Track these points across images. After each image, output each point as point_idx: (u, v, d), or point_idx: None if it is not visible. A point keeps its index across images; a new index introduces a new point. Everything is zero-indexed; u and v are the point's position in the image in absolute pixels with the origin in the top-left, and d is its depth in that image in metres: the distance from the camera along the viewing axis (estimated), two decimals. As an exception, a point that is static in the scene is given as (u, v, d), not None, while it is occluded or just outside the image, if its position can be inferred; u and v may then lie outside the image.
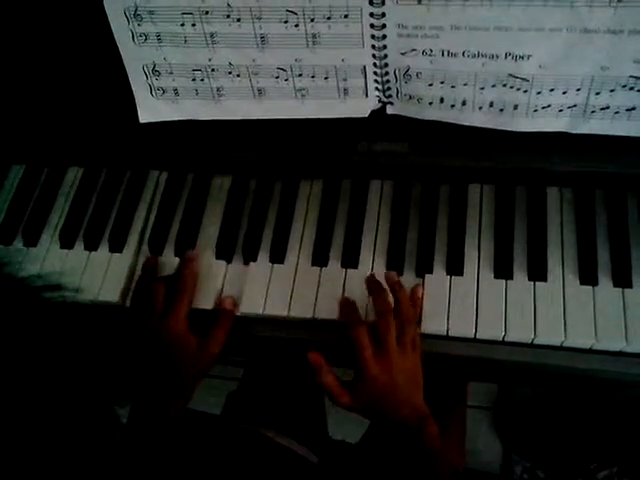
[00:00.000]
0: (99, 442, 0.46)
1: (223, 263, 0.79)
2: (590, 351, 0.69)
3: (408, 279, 0.74)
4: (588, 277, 0.70)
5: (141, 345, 0.74)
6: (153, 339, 0.72)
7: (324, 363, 0.68)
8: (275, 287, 0.76)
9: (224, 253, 0.79)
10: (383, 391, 0.65)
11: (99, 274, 0.80)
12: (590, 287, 0.70)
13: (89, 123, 0.81)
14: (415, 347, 0.67)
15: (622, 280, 0.70)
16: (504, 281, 0.72)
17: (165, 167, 0.86)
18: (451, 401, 0.94)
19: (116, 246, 0.81)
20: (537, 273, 0.71)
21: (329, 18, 0.62)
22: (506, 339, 0.70)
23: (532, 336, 0.69)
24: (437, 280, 0.73)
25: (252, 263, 0.78)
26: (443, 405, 0.89)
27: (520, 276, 0.72)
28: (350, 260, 0.76)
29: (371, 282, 0.71)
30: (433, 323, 0.71)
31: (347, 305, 0.71)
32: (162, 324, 0.72)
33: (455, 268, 0.73)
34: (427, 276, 0.74)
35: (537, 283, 0.71)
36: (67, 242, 0.82)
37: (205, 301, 0.76)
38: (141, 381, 0.73)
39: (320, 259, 0.77)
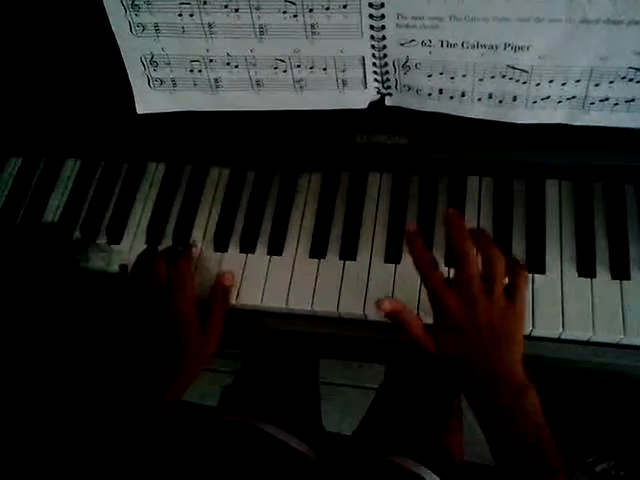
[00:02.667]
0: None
1: (221, 255, 0.78)
2: (588, 343, 0.69)
3: (407, 270, 0.74)
4: (586, 269, 0.70)
5: (142, 320, 0.71)
6: (158, 315, 0.70)
7: (401, 307, 0.61)
8: (273, 279, 0.76)
9: (222, 245, 0.79)
10: (470, 343, 0.59)
11: (96, 267, 0.79)
12: (588, 279, 0.70)
13: (86, 115, 0.80)
14: (513, 299, 0.60)
15: (620, 272, 0.70)
16: (502, 273, 0.72)
17: (163, 159, 0.86)
18: (451, 395, 0.94)
19: (114, 238, 0.81)
20: (535, 266, 0.71)
21: (328, 8, 0.62)
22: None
23: (530, 328, 0.69)
24: (435, 272, 0.73)
25: (250, 255, 0.78)
26: (445, 400, 0.89)
27: (518, 268, 0.72)
28: (348, 252, 0.76)
29: (451, 220, 0.62)
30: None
31: (423, 255, 0.63)
32: (171, 300, 0.70)
33: (453, 260, 0.73)
34: (425, 268, 0.74)
35: (535, 276, 0.71)
36: (64, 235, 0.82)
37: (202, 293, 0.76)
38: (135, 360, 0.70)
39: (318, 251, 0.76)
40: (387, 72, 0.67)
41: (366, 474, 0.76)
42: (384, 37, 0.63)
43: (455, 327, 0.59)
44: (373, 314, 0.72)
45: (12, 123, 0.85)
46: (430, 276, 0.61)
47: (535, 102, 0.64)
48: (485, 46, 0.61)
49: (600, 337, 0.68)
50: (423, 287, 0.71)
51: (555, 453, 0.57)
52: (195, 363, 0.70)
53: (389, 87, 0.68)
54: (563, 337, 0.69)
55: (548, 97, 0.63)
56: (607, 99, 0.63)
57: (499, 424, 0.58)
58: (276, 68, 0.68)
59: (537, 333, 0.69)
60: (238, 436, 0.83)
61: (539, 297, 0.70)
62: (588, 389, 1.30)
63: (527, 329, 0.69)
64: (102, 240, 0.81)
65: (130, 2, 0.64)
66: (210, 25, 0.65)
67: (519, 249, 0.73)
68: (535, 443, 0.57)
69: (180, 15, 0.65)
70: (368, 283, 0.74)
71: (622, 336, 0.67)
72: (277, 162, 0.82)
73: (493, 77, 0.63)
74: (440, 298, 0.60)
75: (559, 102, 0.64)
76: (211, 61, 0.68)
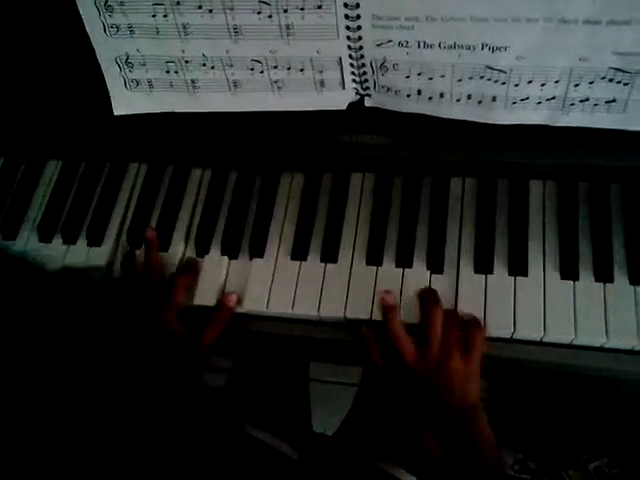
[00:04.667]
0: None
1: (200, 258, 0.78)
2: (570, 346, 0.68)
3: (388, 273, 0.73)
4: (569, 272, 0.69)
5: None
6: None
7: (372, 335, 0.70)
8: (254, 282, 0.75)
9: (203, 248, 0.78)
10: (424, 387, 0.66)
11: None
12: (571, 282, 0.69)
13: (67, 116, 0.80)
14: (467, 361, 0.66)
15: (603, 275, 0.69)
16: (484, 276, 0.71)
17: (144, 160, 0.85)
18: None
19: (94, 240, 0.80)
20: (518, 268, 0.70)
21: (302, 9, 0.61)
22: (486, 334, 0.69)
23: (512, 331, 0.68)
24: (417, 275, 0.72)
25: (231, 257, 0.77)
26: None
27: (500, 271, 0.71)
28: (330, 254, 0.75)
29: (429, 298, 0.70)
30: (413, 317, 0.70)
31: (389, 302, 0.69)
32: (157, 313, 0.71)
33: (435, 263, 0.72)
34: (407, 271, 0.73)
35: (517, 278, 0.70)
36: (45, 236, 0.82)
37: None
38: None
39: (300, 253, 0.76)
40: (365, 73, 0.66)
41: (347, 477, 0.76)
42: (360, 37, 0.62)
43: (415, 378, 0.66)
44: (354, 317, 0.71)
45: (-7, 124, 0.85)
46: (404, 344, 0.67)
47: (514, 103, 0.63)
48: (463, 47, 0.60)
49: (582, 340, 0.67)
50: (404, 289, 0.72)
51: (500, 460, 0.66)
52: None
53: (368, 88, 0.67)
54: (545, 340, 0.68)
55: (527, 98, 0.62)
56: (587, 100, 0.62)
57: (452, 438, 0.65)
58: (253, 69, 0.67)
59: (518, 336, 0.68)
60: (225, 440, 0.82)
61: (520, 300, 0.69)
62: (581, 388, 1.30)
63: (508, 332, 0.68)
64: (83, 242, 0.81)
65: (103, 3, 0.63)
66: (184, 26, 0.64)
67: (501, 251, 0.72)
68: (485, 452, 0.64)
69: (154, 16, 0.64)
70: (349, 285, 0.73)
71: (604, 340, 0.66)
72: (259, 163, 0.81)
73: (471, 78, 0.62)
74: (405, 357, 0.67)
75: (539, 103, 0.63)
76: (187, 62, 0.67)
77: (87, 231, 0.81)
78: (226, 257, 0.77)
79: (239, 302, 0.74)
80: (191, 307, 0.75)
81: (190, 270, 0.76)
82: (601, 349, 0.68)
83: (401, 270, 0.73)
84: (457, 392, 0.65)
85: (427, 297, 0.70)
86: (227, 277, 0.76)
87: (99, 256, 0.79)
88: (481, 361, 0.67)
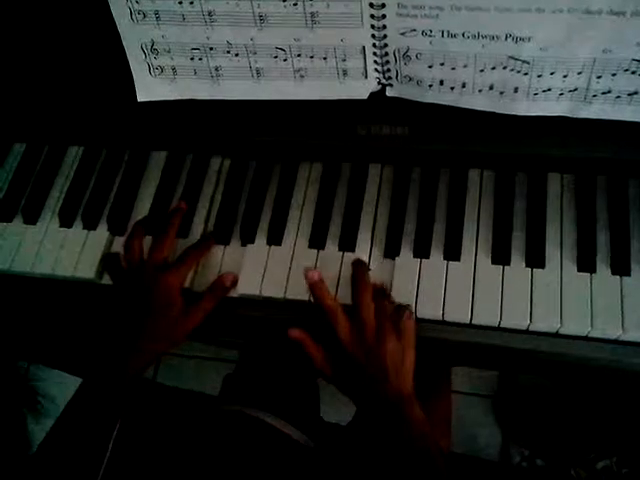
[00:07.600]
0: None
1: (221, 245, 0.78)
2: (586, 338, 0.68)
3: (405, 263, 0.73)
4: (586, 264, 0.70)
5: (125, 290, 0.74)
6: (142, 287, 0.72)
7: (306, 336, 0.70)
8: (272, 269, 0.76)
9: (222, 235, 0.79)
10: (358, 368, 0.66)
11: (97, 254, 0.80)
12: (588, 274, 0.69)
13: (90, 102, 0.81)
14: (401, 332, 0.67)
15: (620, 268, 0.69)
16: (501, 267, 0.71)
17: (164, 147, 0.86)
18: (435, 384, 0.94)
19: (115, 226, 0.81)
20: (535, 260, 0.71)
21: (328, -3, 0.61)
22: (502, 325, 0.69)
23: (528, 322, 0.68)
24: (434, 265, 0.73)
25: (249, 245, 0.78)
26: (427, 388, 0.89)
27: (517, 262, 0.71)
28: (347, 243, 0.75)
29: (356, 271, 0.71)
30: (429, 308, 0.71)
31: (317, 281, 0.71)
32: (159, 275, 0.72)
33: (452, 253, 0.73)
34: (424, 261, 0.73)
35: (534, 270, 0.70)
36: (66, 221, 0.83)
37: (202, 283, 0.76)
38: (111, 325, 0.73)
39: (317, 242, 0.76)
40: (388, 62, 0.66)
41: (359, 464, 0.76)
42: (384, 26, 0.62)
43: (352, 361, 0.67)
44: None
45: (17, 109, 0.86)
46: (338, 321, 0.68)
47: (536, 94, 0.63)
48: (486, 37, 0.60)
49: (598, 333, 0.67)
50: (421, 279, 0.72)
51: (440, 458, 0.63)
52: (168, 339, 0.72)
53: (390, 77, 0.68)
54: (561, 332, 0.68)
55: (549, 89, 0.63)
56: (609, 91, 0.62)
57: (388, 433, 0.65)
58: (276, 57, 0.67)
59: (534, 328, 0.69)
60: (237, 425, 0.83)
61: (537, 292, 0.69)
62: (591, 385, 1.30)
63: (524, 323, 0.68)
64: (103, 228, 0.82)
65: (130, -11, 0.64)
66: (210, 13, 0.65)
67: (519, 242, 0.72)
68: (421, 448, 0.63)
69: (180, 3, 0.64)
70: (367, 275, 0.74)
71: (621, 332, 0.67)
72: (278, 152, 0.82)
73: (494, 68, 0.63)
74: (340, 336, 0.67)
75: (561, 94, 0.63)
76: (211, 49, 0.68)
77: (107, 217, 0.82)
78: (244, 244, 0.78)
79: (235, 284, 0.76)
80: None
81: (203, 245, 0.78)
82: (617, 342, 0.68)
83: (418, 260, 0.74)
84: (392, 375, 0.65)
85: (357, 275, 0.70)
86: (245, 264, 0.77)
87: (118, 244, 0.80)
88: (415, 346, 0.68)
